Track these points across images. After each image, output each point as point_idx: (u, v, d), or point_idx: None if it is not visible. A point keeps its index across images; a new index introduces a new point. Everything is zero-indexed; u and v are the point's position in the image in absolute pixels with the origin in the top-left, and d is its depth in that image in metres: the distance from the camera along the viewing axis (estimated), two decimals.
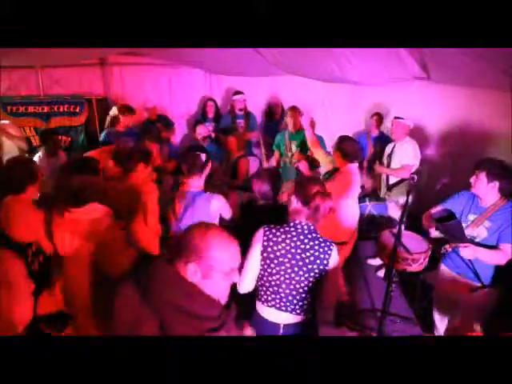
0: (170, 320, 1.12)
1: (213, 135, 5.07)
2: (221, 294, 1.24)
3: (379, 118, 4.85)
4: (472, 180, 2.40)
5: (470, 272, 2.37)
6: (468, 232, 2.42)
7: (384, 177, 4.13)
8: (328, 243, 1.83)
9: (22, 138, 4.35)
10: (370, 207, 3.97)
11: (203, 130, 4.71)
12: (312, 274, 1.81)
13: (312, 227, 1.84)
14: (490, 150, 3.66)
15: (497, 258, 2.32)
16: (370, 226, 3.91)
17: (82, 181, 1.97)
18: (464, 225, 2.44)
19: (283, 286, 1.84)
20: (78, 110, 5.24)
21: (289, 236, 1.82)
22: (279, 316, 1.88)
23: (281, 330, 1.87)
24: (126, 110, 4.43)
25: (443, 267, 2.67)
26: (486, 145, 3.94)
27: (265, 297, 1.91)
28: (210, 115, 5.41)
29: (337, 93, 5.36)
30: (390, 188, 4.03)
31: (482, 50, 2.70)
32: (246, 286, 1.91)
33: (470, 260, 2.38)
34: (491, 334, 1.57)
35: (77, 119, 5.26)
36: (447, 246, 2.52)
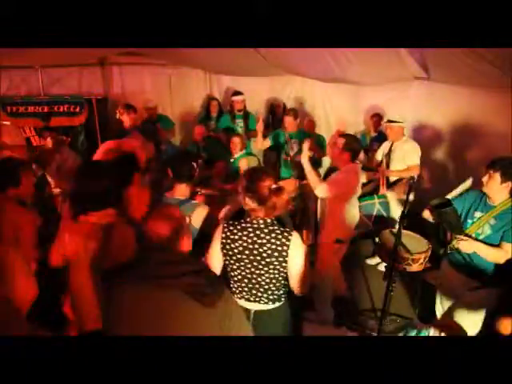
0: None
1: (212, 135, 5.07)
2: None
3: (379, 118, 4.85)
4: (484, 179, 2.40)
5: (471, 271, 2.38)
6: (473, 229, 2.43)
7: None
8: (286, 234, 1.84)
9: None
10: (378, 205, 3.93)
11: (202, 131, 4.71)
12: (271, 267, 1.84)
13: (269, 220, 1.87)
14: (491, 150, 3.66)
15: (496, 256, 2.33)
16: (377, 224, 3.86)
17: (101, 185, 1.97)
18: (470, 221, 2.46)
19: (245, 280, 1.91)
20: (77, 110, 5.24)
21: (245, 233, 1.86)
22: (249, 305, 1.95)
23: (251, 315, 1.93)
24: (127, 108, 4.44)
25: (445, 266, 2.67)
26: (487, 144, 3.94)
27: (233, 289, 1.98)
28: (214, 114, 5.44)
29: (337, 93, 5.35)
30: (389, 186, 4.02)
31: (482, 49, 2.69)
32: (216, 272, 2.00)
33: (470, 258, 2.38)
34: (491, 334, 1.57)
35: (77, 119, 5.25)
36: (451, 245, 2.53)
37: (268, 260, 1.83)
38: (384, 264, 3.84)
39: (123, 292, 1.34)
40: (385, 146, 4.13)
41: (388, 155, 4.04)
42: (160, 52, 4.82)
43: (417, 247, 2.72)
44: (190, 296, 1.27)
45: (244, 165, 4.16)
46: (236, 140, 4.21)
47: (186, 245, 1.51)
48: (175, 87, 5.86)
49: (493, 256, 2.34)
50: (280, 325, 1.97)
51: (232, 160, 4.22)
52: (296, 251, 1.85)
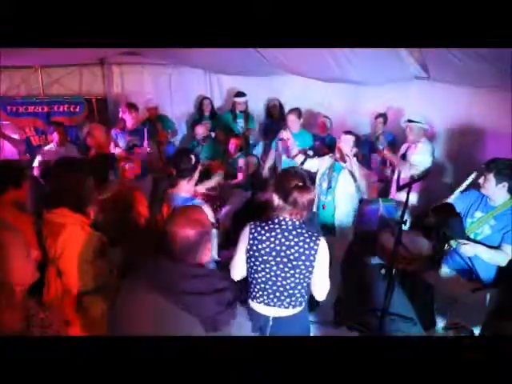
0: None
1: (213, 135, 5.07)
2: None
3: (384, 119, 4.67)
4: (481, 181, 2.39)
5: (471, 272, 2.37)
6: (472, 229, 2.42)
7: (395, 178, 4.08)
8: (314, 238, 1.80)
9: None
10: (382, 208, 3.93)
11: (202, 130, 4.71)
12: (298, 271, 1.81)
13: (297, 222, 1.83)
14: (491, 150, 3.65)
15: (497, 259, 2.32)
16: (380, 227, 3.86)
17: (58, 182, 1.93)
18: (469, 220, 2.45)
19: (269, 283, 1.86)
20: (77, 110, 5.23)
21: (273, 233, 1.82)
22: (268, 310, 1.90)
23: (270, 322, 1.88)
24: (130, 107, 4.47)
25: (444, 267, 2.67)
26: (487, 145, 3.93)
27: (253, 293, 1.93)
28: (207, 113, 5.44)
29: (337, 93, 5.35)
30: (400, 189, 3.97)
31: (482, 49, 2.69)
32: (234, 277, 2.01)
33: (470, 260, 2.38)
34: (490, 335, 1.57)
35: (77, 119, 5.25)
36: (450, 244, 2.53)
37: (295, 263, 1.79)
38: (383, 264, 3.86)
39: (136, 298, 1.28)
40: (403, 148, 4.02)
41: (403, 156, 3.97)
42: (160, 52, 4.82)
43: (417, 247, 2.72)
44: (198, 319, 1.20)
45: (243, 164, 4.16)
46: (235, 141, 4.22)
47: (208, 255, 1.40)
48: (175, 87, 5.86)
49: (494, 259, 2.33)
50: (301, 331, 1.92)
51: (230, 160, 4.22)
52: (323, 256, 1.82)
